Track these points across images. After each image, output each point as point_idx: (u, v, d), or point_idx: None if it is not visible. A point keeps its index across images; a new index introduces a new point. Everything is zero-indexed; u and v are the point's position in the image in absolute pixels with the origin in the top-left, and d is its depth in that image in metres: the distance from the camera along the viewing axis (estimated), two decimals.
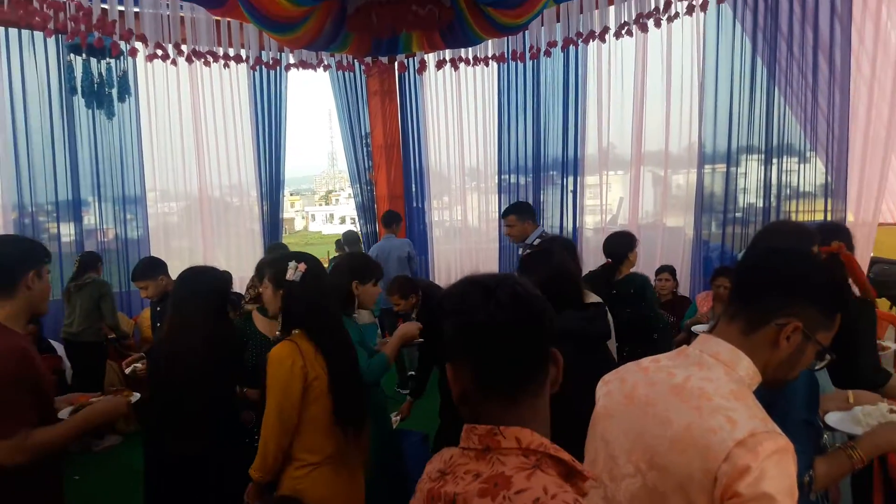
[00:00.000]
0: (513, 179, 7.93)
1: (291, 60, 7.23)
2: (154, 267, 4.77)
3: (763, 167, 5.93)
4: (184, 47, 6.34)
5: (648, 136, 6.76)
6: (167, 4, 5.97)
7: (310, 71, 7.29)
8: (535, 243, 4.85)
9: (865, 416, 2.20)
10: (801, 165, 5.79)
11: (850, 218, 5.54)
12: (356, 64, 7.79)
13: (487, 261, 8.18)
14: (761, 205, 5.99)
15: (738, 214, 6.16)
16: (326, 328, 2.69)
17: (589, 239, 7.54)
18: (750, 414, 1.37)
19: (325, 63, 7.35)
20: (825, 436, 2.33)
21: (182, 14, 6.22)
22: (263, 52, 6.81)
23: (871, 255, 8.28)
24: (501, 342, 1.11)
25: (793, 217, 5.81)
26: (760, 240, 2.53)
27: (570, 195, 7.44)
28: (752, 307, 1.49)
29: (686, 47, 6.31)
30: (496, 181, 8.10)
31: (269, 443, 2.61)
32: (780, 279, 1.49)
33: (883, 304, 7.45)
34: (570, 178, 7.39)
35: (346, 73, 7.99)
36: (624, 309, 4.13)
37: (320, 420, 2.64)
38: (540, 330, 1.14)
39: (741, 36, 5.88)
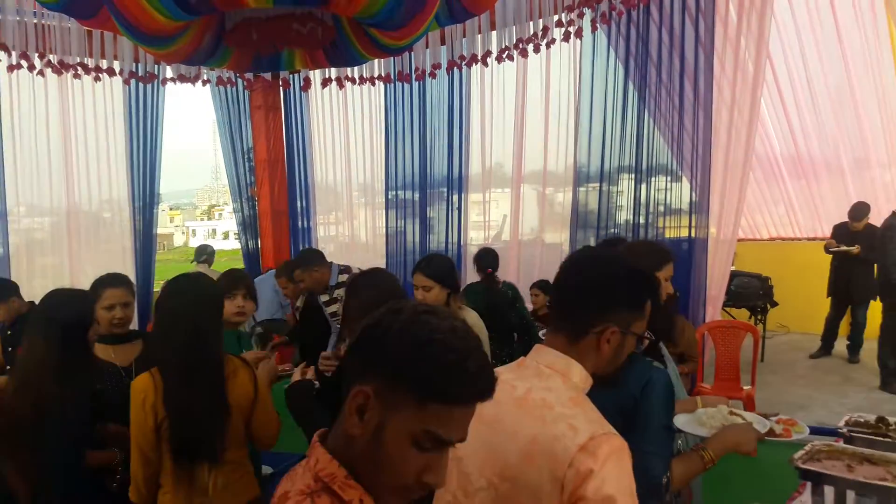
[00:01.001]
0: (401, 195, 7.92)
1: (169, 74, 6.91)
2: (2, 289, 4.42)
3: (637, 186, 6.17)
4: (52, 58, 5.93)
5: (529, 156, 6.94)
6: (34, 12, 5.56)
7: (187, 85, 7.01)
8: (339, 282, 5.04)
9: (709, 418, 2.33)
10: (672, 184, 6.07)
11: (712, 233, 5.87)
12: (238, 79, 7.56)
13: None
14: (635, 221, 6.22)
15: (615, 230, 6.37)
16: (169, 363, 2.48)
17: (474, 254, 7.64)
18: (588, 418, 1.44)
19: (205, 78, 7.08)
20: (679, 441, 2.45)
21: (51, 23, 5.82)
22: (139, 65, 6.48)
23: (732, 268, 8.87)
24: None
25: (665, 233, 6.11)
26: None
27: (456, 212, 7.51)
28: (570, 321, 1.56)
29: (563, 72, 6.50)
30: (386, 197, 8.08)
31: (135, 472, 2.49)
32: (587, 294, 1.57)
33: (742, 314, 8.00)
34: (456, 195, 7.46)
35: (228, 88, 7.74)
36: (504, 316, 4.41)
37: None
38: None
39: (614, 62, 6.12)
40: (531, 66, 6.60)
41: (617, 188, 6.35)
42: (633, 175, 6.18)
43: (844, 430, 2.85)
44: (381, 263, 8.07)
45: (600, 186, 6.39)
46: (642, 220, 6.18)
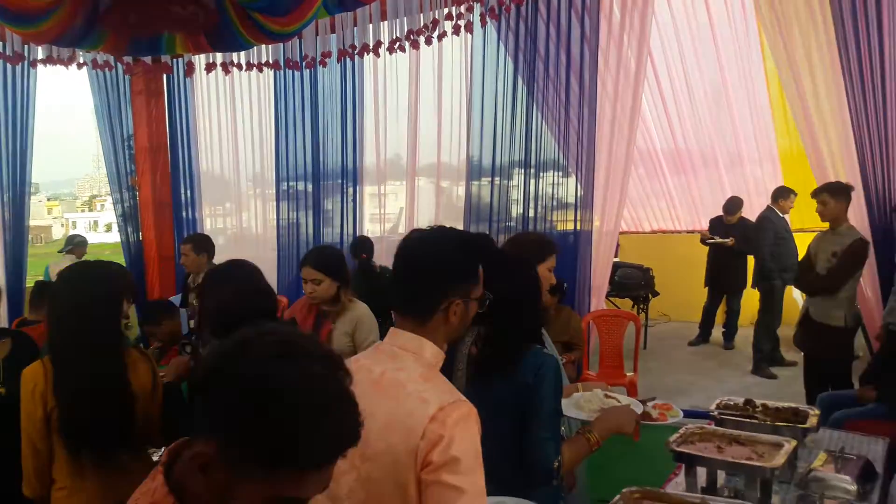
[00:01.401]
0: (294, 186, 7.70)
1: (40, 56, 6.42)
2: None
3: (528, 180, 6.24)
4: None
5: (423, 149, 6.92)
6: None
7: (60, 67, 6.53)
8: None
9: (586, 402, 2.44)
10: (561, 178, 6.18)
11: (596, 226, 6.03)
12: (116, 63, 7.12)
13: (267, 271, 7.84)
14: (528, 215, 6.30)
15: (509, 224, 6.44)
16: (58, 347, 2.35)
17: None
18: (438, 390, 1.50)
19: (81, 60, 6.62)
20: (563, 427, 2.51)
21: None
22: (5, 45, 5.98)
23: (616, 259, 9.19)
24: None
25: (556, 226, 6.24)
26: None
27: (351, 204, 7.39)
28: (416, 305, 1.62)
29: (455, 65, 6.50)
30: (277, 188, 7.83)
31: (25, 464, 2.38)
32: (424, 279, 1.63)
33: (625, 303, 8.30)
34: (351, 187, 7.34)
35: (106, 72, 7.27)
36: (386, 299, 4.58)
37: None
38: None
39: (504, 56, 6.16)
40: (424, 58, 6.55)
41: (511, 182, 6.40)
42: (525, 170, 6.25)
43: (715, 413, 2.99)
44: (273, 256, 7.84)
45: (492, 180, 6.44)
46: (534, 214, 6.26)
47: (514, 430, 2.14)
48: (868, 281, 5.00)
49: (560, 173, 6.18)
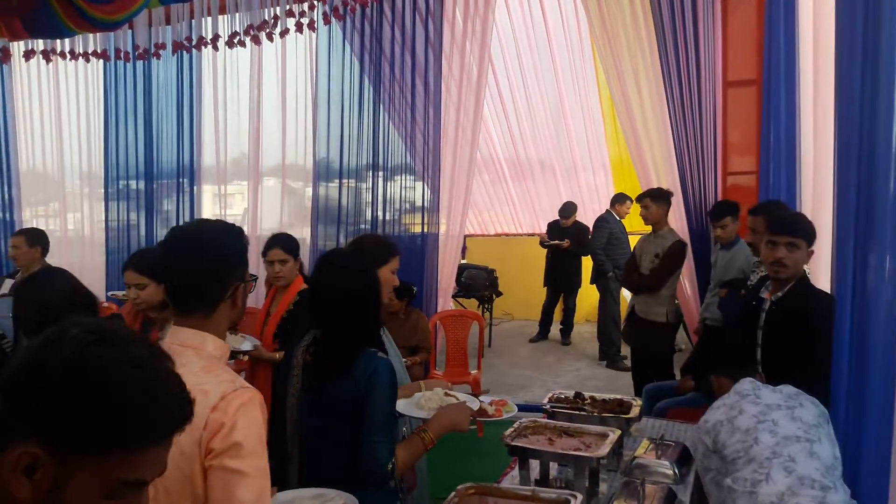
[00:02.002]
0: (126, 185, 7.11)
1: None
2: None
3: (381, 183, 6.16)
4: None
5: (267, 149, 6.63)
6: None
7: None
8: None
9: (427, 400, 2.39)
10: (414, 182, 6.16)
11: (442, 229, 6.07)
12: None
13: (95, 278, 7.18)
14: (380, 217, 6.21)
15: (363, 226, 6.29)
16: None
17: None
18: (219, 380, 1.50)
19: None
20: (404, 427, 2.46)
21: None
22: None
23: (463, 261, 9.33)
24: None
25: (408, 229, 6.20)
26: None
27: (188, 204, 6.95)
28: (203, 299, 1.62)
29: (300, 64, 6.29)
30: (105, 187, 7.20)
31: None
32: (213, 271, 1.63)
33: (472, 303, 8.45)
34: (188, 187, 6.90)
35: None
36: None
37: None
38: None
39: (350, 57, 6.05)
40: (266, 55, 6.29)
41: (362, 185, 6.26)
42: (374, 172, 6.16)
43: (548, 406, 3.07)
44: (102, 260, 7.22)
45: (342, 182, 6.28)
46: (386, 217, 6.20)
47: (348, 434, 2.11)
48: (687, 280, 5.37)
49: (412, 177, 6.16)
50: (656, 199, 5.28)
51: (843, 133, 2.34)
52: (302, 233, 6.66)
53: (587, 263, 8.10)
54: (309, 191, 6.56)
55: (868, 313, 2.27)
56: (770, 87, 4.74)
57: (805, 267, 3.12)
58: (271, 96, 6.41)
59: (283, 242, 4.09)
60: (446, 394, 2.50)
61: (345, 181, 6.28)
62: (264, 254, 4.13)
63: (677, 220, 5.38)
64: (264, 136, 6.54)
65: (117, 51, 6.40)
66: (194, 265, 1.62)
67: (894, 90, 2.04)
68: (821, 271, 3.50)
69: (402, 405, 2.35)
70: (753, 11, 5.03)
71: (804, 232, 2.92)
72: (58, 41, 6.22)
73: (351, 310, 2.19)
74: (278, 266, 4.02)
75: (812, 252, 2.98)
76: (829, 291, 2.91)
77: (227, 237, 1.67)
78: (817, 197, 3.95)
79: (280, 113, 6.41)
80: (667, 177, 5.43)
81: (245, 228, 6.82)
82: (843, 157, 2.35)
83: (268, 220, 6.91)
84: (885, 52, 2.11)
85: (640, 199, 5.40)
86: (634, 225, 7.99)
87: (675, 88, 5.21)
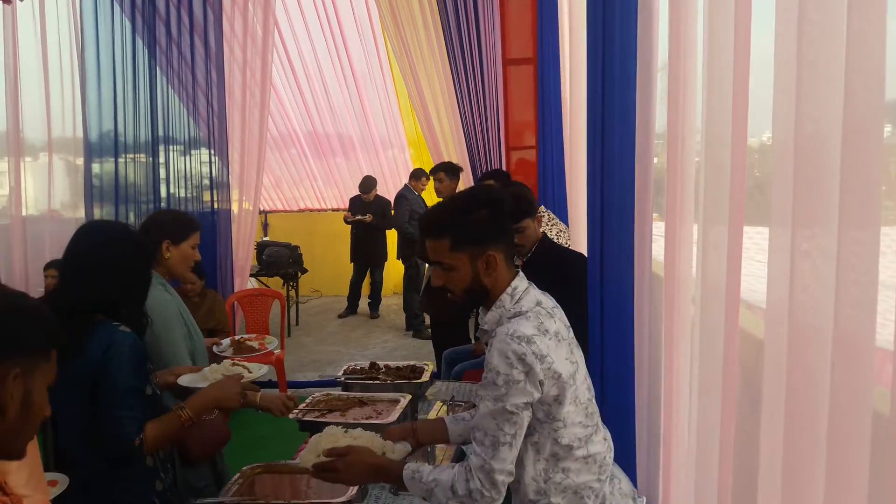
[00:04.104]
0: None
1: None
2: None
3: (171, 156, 5.62)
4: None
5: (30, 122, 5.79)
6: None
7: None
8: None
9: (212, 372, 2.25)
10: (211, 156, 5.66)
11: (235, 206, 5.69)
12: None
13: None
14: (173, 194, 5.70)
15: (158, 205, 5.69)
16: None
17: None
18: None
19: None
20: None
21: None
22: None
23: (265, 238, 8.95)
24: None
25: (191, 205, 5.72)
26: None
27: None
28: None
29: (62, 26, 5.52)
30: None
31: None
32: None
33: (276, 282, 8.12)
34: None
35: None
36: None
37: None
38: None
39: (121, 17, 5.38)
40: (22, 15, 5.46)
41: (154, 160, 5.64)
42: (163, 146, 5.58)
43: (342, 378, 2.98)
44: None
45: (118, 157, 5.63)
46: (182, 194, 5.71)
47: (88, 408, 1.93)
48: None
49: (209, 150, 5.66)
50: (449, 172, 5.36)
51: (591, 112, 2.43)
52: (75, 214, 5.95)
53: (392, 237, 8.08)
54: (95, 167, 5.83)
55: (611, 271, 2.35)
56: (542, 66, 5.00)
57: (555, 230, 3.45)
58: (30, 61, 5.58)
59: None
60: (233, 363, 2.35)
61: (126, 156, 5.65)
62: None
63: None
64: (25, 107, 5.70)
65: None
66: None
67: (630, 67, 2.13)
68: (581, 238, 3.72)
69: (187, 379, 2.22)
70: None
71: (523, 213, 3.01)
72: None
73: (83, 277, 1.97)
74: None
75: (540, 218, 3.19)
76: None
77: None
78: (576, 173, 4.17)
79: (42, 81, 5.61)
80: (457, 152, 5.53)
81: (13, 210, 6.05)
82: (591, 135, 2.44)
83: (37, 201, 6.08)
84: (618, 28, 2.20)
85: (434, 171, 5.45)
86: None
87: (459, 66, 5.29)
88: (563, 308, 1.84)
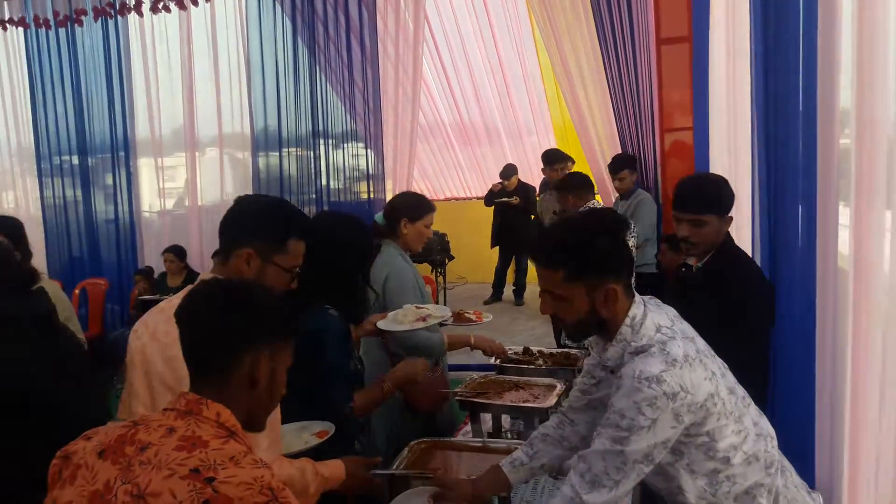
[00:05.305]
0: (61, 161, 6.78)
1: None
2: None
3: (323, 150, 5.96)
4: None
5: (203, 119, 6.37)
6: None
7: None
8: None
9: (403, 316, 2.58)
10: (363, 149, 5.94)
11: (389, 196, 5.94)
12: None
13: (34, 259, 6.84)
14: (325, 186, 6.03)
15: (315, 196, 6.09)
16: None
17: (151, 223, 6.91)
18: None
19: None
20: None
21: None
22: None
23: None
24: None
25: (361, 196, 6.01)
26: None
27: (125, 179, 6.68)
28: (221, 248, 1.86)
29: (231, 28, 6.00)
30: (38, 163, 6.85)
31: None
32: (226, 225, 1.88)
33: (424, 268, 8.38)
34: (124, 160, 6.61)
35: None
36: None
37: None
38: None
39: (282, 18, 5.76)
40: (196, 21, 5.98)
41: (311, 153, 6.02)
42: (319, 140, 5.93)
43: (497, 362, 3.07)
44: (41, 239, 6.91)
45: (282, 151, 6.07)
46: (336, 185, 6.04)
47: (302, 378, 2.04)
48: None
49: (358, 144, 5.93)
50: (633, 168, 5.17)
51: (758, 92, 2.31)
52: None
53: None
54: (248, 160, 6.35)
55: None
56: (698, 44, 4.77)
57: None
58: (203, 64, 6.12)
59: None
60: (416, 307, 2.64)
61: (288, 150, 6.07)
62: None
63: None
64: (199, 106, 6.27)
65: (35, 17, 6.04)
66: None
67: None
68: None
69: (383, 322, 2.56)
70: None
71: (707, 204, 2.37)
72: None
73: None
74: None
75: (730, 218, 2.45)
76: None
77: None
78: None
79: (213, 81, 6.14)
80: (607, 137, 5.42)
81: (186, 201, 6.72)
82: (760, 117, 2.32)
83: (209, 192, 6.69)
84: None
85: (617, 170, 5.13)
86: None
87: (610, 48, 5.17)
88: (726, 321, 1.73)
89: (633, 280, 1.75)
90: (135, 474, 1.14)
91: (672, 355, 1.55)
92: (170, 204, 6.86)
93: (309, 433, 1.99)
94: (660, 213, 5.10)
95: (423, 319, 2.58)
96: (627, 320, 1.62)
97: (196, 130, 6.31)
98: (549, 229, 1.79)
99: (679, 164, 5.11)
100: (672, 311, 1.72)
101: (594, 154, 5.47)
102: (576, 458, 1.66)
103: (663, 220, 5.11)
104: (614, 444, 1.55)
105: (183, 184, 6.96)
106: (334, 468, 1.88)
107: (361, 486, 1.95)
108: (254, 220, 1.86)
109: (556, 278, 1.61)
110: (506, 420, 2.66)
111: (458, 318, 3.15)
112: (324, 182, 6.04)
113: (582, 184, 4.88)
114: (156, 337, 1.73)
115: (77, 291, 6.48)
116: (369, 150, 5.81)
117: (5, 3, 5.88)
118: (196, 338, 1.31)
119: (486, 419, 2.64)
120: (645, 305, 1.67)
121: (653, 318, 1.64)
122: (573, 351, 3.07)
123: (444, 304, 7.99)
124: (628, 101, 5.24)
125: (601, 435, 1.59)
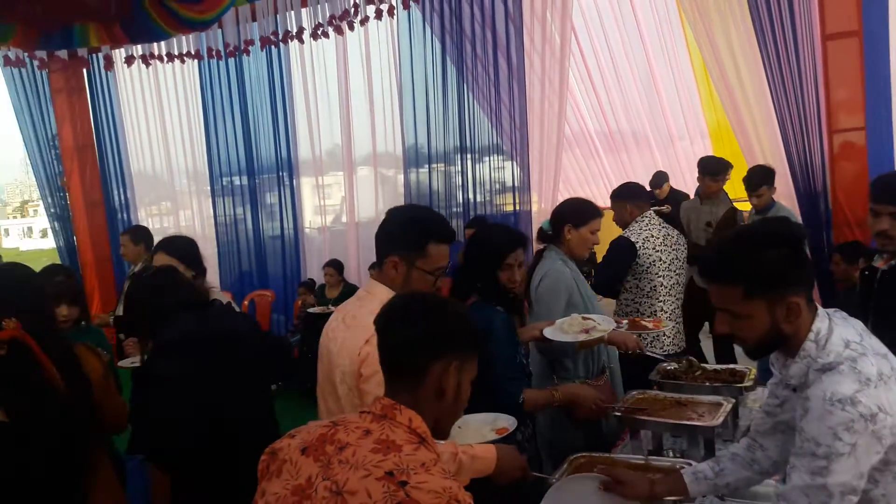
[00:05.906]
0: (230, 182, 7.43)
1: None
2: None
3: (470, 164, 6.11)
4: None
5: (358, 138, 6.74)
6: None
7: None
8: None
9: (568, 326, 2.64)
10: (504, 162, 6.04)
11: (535, 208, 5.96)
12: (28, 59, 6.74)
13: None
14: (471, 199, 6.19)
15: (456, 209, 6.29)
16: None
17: (313, 238, 7.39)
18: (367, 324, 1.66)
19: None
20: None
21: None
22: None
23: None
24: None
25: (503, 209, 6.09)
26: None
27: (289, 196, 7.19)
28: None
29: (383, 51, 6.31)
30: (211, 184, 7.54)
31: None
32: (378, 240, 2.14)
33: None
34: (288, 180, 7.13)
35: (21, 70, 6.87)
36: None
37: None
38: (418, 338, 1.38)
39: (431, 38, 5.98)
40: (351, 45, 6.35)
41: (452, 168, 6.22)
42: (462, 154, 6.10)
43: (657, 378, 2.97)
44: (214, 254, 7.58)
45: (431, 166, 6.29)
46: (480, 199, 6.19)
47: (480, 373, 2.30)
48: None
49: (500, 157, 6.05)
50: (771, 183, 4.88)
51: None
52: None
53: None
54: (401, 177, 6.61)
55: None
56: (873, 39, 4.41)
57: None
58: (358, 86, 6.48)
59: (166, 246, 3.84)
60: (583, 318, 2.68)
61: (435, 165, 6.28)
62: None
63: (783, 183, 5.03)
64: (354, 126, 6.64)
65: (209, 49, 6.65)
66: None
67: None
68: None
69: (549, 331, 2.64)
70: None
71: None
72: (154, 45, 6.53)
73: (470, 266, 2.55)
74: None
75: None
76: None
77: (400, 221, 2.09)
78: None
79: (367, 102, 6.48)
80: (768, 139, 5.10)
81: (343, 217, 7.11)
82: None
83: (364, 208, 7.04)
84: None
85: (754, 187, 4.86)
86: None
87: (769, 45, 4.87)
88: None
89: None
90: (334, 472, 1.23)
91: (865, 374, 1.44)
92: (329, 220, 7.31)
93: (490, 429, 2.07)
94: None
95: (587, 332, 2.60)
96: (811, 335, 1.53)
97: (353, 150, 6.66)
98: (723, 244, 1.64)
99: (850, 167, 4.77)
100: (860, 325, 1.60)
101: (754, 157, 5.18)
102: (775, 498, 1.58)
103: (833, 227, 4.76)
104: (815, 477, 1.45)
105: (339, 201, 7.38)
106: (485, 450, 1.94)
107: (513, 471, 1.96)
108: (396, 230, 2.08)
109: (734, 295, 1.53)
110: (666, 438, 2.58)
111: (634, 325, 3.14)
112: (470, 195, 6.17)
113: (640, 192, 4.61)
114: (344, 343, 2.01)
115: (246, 303, 7.04)
116: (514, 164, 5.88)
117: (183, 38, 6.51)
118: (391, 344, 1.40)
119: (645, 436, 2.56)
120: (830, 319, 1.56)
121: (840, 332, 1.54)
122: (739, 367, 2.92)
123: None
124: (791, 101, 4.93)
125: (797, 468, 1.50)
